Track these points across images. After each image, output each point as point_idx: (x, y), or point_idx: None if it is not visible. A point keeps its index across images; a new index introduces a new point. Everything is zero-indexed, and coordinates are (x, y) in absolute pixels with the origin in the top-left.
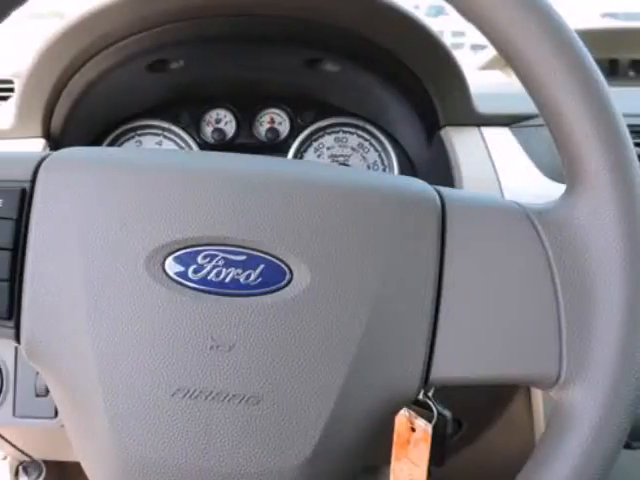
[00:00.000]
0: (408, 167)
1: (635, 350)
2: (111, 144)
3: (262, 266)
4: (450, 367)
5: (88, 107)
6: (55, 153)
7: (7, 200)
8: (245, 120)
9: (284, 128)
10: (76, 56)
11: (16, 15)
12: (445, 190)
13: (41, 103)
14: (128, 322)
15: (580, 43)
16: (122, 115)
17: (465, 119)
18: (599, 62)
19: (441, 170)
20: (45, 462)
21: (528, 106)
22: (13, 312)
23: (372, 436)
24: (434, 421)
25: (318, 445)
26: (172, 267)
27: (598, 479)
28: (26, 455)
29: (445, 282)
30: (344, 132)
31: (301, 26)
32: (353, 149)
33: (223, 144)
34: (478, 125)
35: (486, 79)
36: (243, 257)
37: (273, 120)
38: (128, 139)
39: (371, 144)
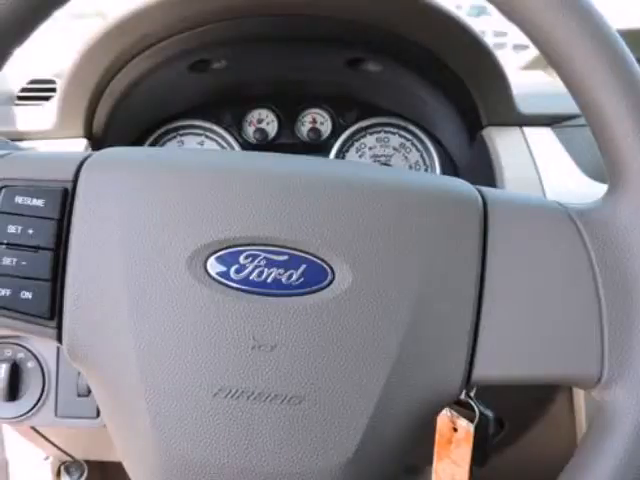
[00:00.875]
0: (450, 167)
1: None
2: (153, 144)
3: (304, 266)
4: (492, 367)
5: (130, 107)
6: (97, 153)
7: (49, 200)
8: (287, 120)
9: (326, 128)
10: (118, 56)
11: (58, 15)
12: (487, 190)
13: (83, 103)
14: (170, 322)
15: (622, 43)
16: (164, 115)
17: (507, 119)
18: None
19: (483, 170)
20: (87, 462)
21: (570, 106)
22: (55, 313)
23: (414, 436)
24: (476, 421)
25: (360, 445)
26: (214, 267)
27: None
28: (68, 455)
29: (487, 282)
30: (386, 132)
31: (343, 26)
32: (395, 149)
33: (265, 144)
34: (520, 125)
35: (528, 79)
36: (285, 257)
37: (315, 120)
38: (170, 139)
39: (413, 144)
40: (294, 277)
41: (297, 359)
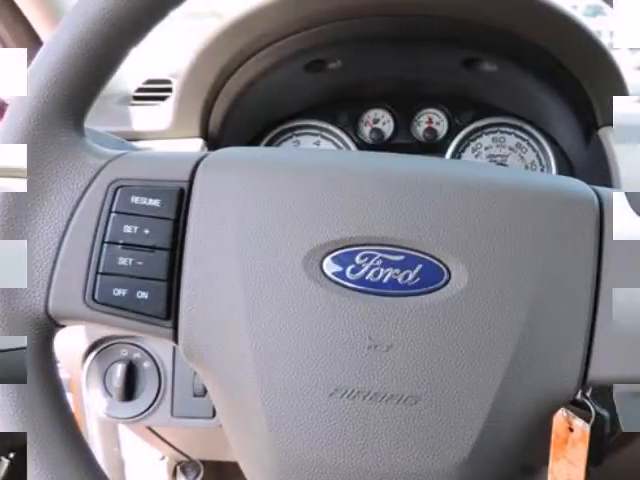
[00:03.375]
0: (566, 167)
1: None
2: (269, 144)
3: (420, 266)
4: (608, 367)
5: (246, 107)
6: (213, 153)
7: (165, 200)
8: (403, 120)
9: (442, 128)
10: (234, 56)
11: (174, 15)
12: (603, 190)
13: (199, 103)
14: (286, 322)
15: None
16: (280, 115)
17: None
18: None
19: (599, 170)
20: (203, 462)
21: None
22: (171, 313)
23: (529, 436)
24: (592, 421)
25: (476, 445)
26: (330, 267)
27: None
28: (184, 455)
29: (603, 282)
30: (502, 132)
31: (459, 26)
32: (511, 149)
33: (381, 144)
34: None
35: None
36: (401, 257)
37: (431, 120)
38: (286, 139)
39: (529, 144)
40: (410, 277)
41: (413, 359)
